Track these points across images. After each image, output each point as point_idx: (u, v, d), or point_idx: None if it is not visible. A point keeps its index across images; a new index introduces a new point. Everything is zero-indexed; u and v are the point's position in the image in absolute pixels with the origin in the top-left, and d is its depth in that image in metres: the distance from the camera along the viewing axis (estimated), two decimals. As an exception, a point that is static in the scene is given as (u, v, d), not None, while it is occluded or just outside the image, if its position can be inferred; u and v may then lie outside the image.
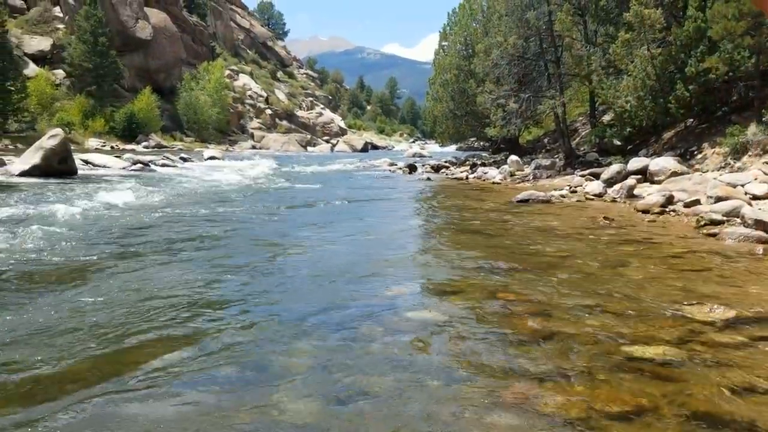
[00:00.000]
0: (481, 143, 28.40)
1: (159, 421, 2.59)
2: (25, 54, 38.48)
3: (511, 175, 16.52)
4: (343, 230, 7.79)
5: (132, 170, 18.14)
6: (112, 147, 34.09)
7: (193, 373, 3.10)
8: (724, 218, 7.74)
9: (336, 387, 3.01)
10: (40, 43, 40.44)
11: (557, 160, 17.29)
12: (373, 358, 3.38)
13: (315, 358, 3.36)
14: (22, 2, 41.79)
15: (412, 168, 21.74)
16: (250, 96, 61.93)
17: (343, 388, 3.00)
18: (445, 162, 23.72)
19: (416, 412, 2.76)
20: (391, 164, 24.57)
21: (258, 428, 2.58)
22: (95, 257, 5.51)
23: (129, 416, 2.63)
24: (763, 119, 10.79)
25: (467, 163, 22.91)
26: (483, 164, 21.14)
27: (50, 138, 14.59)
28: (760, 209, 7.53)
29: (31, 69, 37.34)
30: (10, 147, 26.49)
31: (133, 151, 30.44)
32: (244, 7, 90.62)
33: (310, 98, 78.86)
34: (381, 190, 14.33)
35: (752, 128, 10.78)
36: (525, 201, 10.94)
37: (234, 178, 16.96)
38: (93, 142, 34.39)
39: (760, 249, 6.09)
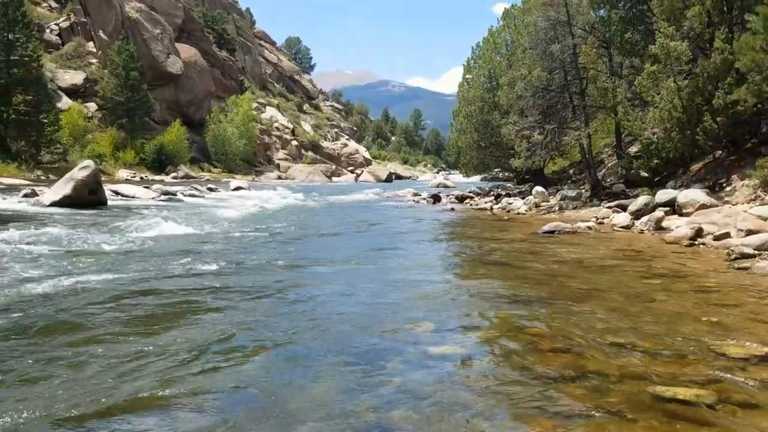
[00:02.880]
0: (506, 174, 28.35)
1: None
2: (59, 88, 39.75)
3: (537, 206, 16.40)
4: (365, 261, 7.78)
5: (160, 200, 18.47)
6: (141, 178, 34.81)
7: (218, 400, 3.10)
8: (756, 252, 7.56)
9: (357, 421, 2.98)
10: (74, 77, 41.76)
11: (583, 191, 17.15)
12: (395, 392, 3.33)
13: (336, 391, 3.33)
14: (57, 38, 43.32)
15: (436, 198, 21.74)
16: (276, 128, 62.97)
17: (365, 422, 2.96)
18: (470, 192, 23.68)
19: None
20: (415, 194, 24.61)
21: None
22: (110, 290, 5.59)
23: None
24: (795, 151, 10.59)
25: (491, 193, 22.84)
26: (508, 195, 21.05)
27: (81, 169, 14.96)
28: (793, 243, 7.33)
29: (65, 102, 38.52)
30: (42, 178, 27.22)
31: (162, 181, 31.02)
32: (272, 42, 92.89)
33: (336, 129, 79.91)
34: (404, 221, 14.33)
35: (783, 160, 10.58)
36: (551, 232, 10.83)
37: (258, 208, 17.14)
38: (123, 173, 35.20)
39: (794, 284, 5.91)
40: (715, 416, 3.03)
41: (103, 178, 17.47)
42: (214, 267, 6.87)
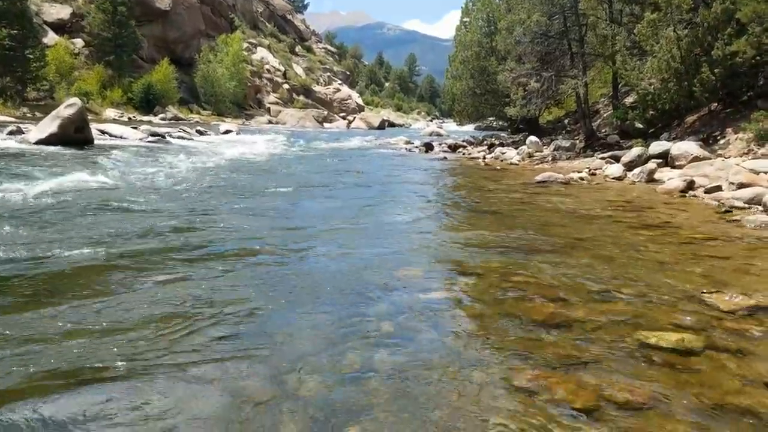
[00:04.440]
0: (500, 123, 28.10)
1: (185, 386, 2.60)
2: (45, 22, 38.49)
3: (530, 156, 16.31)
4: (355, 210, 7.74)
5: (148, 142, 18.19)
6: (129, 118, 34.16)
7: (216, 347, 3.09)
8: (746, 205, 7.58)
9: (345, 364, 2.99)
10: (60, 12, 40.41)
11: (577, 141, 17.04)
12: (383, 336, 3.34)
13: (325, 337, 3.33)
14: (43, -30, 41.66)
15: (428, 147, 21.56)
16: (267, 70, 61.69)
17: (353, 365, 2.97)
18: (463, 141, 23.49)
19: (425, 391, 2.72)
20: (408, 142, 24.38)
21: (272, 400, 2.57)
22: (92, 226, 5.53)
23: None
24: (791, 105, 10.49)
25: (485, 143, 22.67)
26: (501, 144, 20.91)
27: (67, 107, 14.63)
28: (784, 197, 7.34)
29: (51, 38, 37.37)
30: (28, 115, 26.67)
31: (150, 122, 30.50)
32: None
33: (328, 73, 78.42)
34: (396, 169, 14.23)
35: (779, 114, 10.49)
36: (543, 182, 10.80)
37: (249, 153, 16.94)
38: (110, 113, 34.50)
39: (783, 238, 5.94)
40: (699, 363, 3.06)
41: (89, 117, 17.11)
42: (202, 216, 6.81)
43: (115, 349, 2.99)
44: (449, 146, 21.85)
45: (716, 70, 12.14)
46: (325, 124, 55.08)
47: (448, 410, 2.57)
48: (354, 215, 7.13)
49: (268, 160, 15.17)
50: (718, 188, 8.70)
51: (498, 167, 14.94)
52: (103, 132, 18.42)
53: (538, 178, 11.08)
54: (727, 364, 3.06)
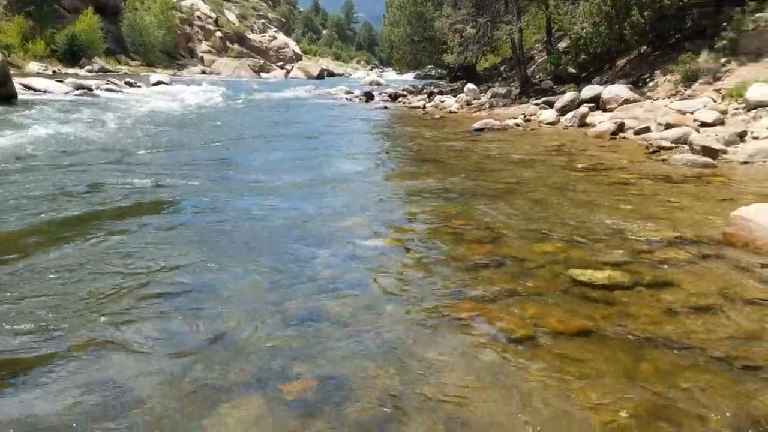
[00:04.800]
0: (439, 71, 28.01)
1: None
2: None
3: (468, 104, 16.42)
4: (295, 161, 7.67)
5: (75, 95, 17.26)
6: (54, 71, 32.10)
7: (155, 303, 3.06)
8: (673, 145, 7.93)
9: (291, 310, 3.03)
10: (-32, -43, 37.07)
11: (513, 88, 17.24)
12: (327, 283, 3.39)
13: (267, 284, 3.35)
14: None
15: (369, 96, 21.35)
16: (198, 17, 58.94)
17: (298, 311, 3.02)
18: (403, 90, 23.35)
19: (370, 332, 2.80)
20: (348, 92, 24.04)
21: (217, 353, 2.59)
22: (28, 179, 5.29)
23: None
24: (715, 47, 10.90)
25: (424, 91, 22.60)
26: (440, 93, 20.91)
27: (-14, 61, 13.66)
28: (707, 136, 7.72)
29: (-37, -14, 34.39)
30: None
31: (76, 75, 28.83)
32: None
33: (263, 20, 75.68)
34: (337, 119, 14.08)
35: (703, 56, 10.89)
36: (481, 130, 10.95)
37: (183, 105, 16.35)
38: (34, 66, 32.33)
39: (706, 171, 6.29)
40: (627, 296, 3.26)
41: (12, 72, 16.04)
42: (134, 172, 6.60)
43: (50, 313, 2.92)
44: (389, 95, 21.71)
45: (645, 13, 12.42)
46: (262, 74, 53.48)
47: (391, 348, 2.66)
48: (294, 167, 7.06)
49: (203, 112, 14.69)
50: (647, 129, 9.05)
51: (437, 116, 15.00)
52: (27, 87, 17.31)
53: (476, 125, 11.21)
54: (651, 296, 3.27)
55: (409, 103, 19.51)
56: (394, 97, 21.33)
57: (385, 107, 17.99)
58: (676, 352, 2.65)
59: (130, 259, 3.62)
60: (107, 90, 19.92)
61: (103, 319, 2.86)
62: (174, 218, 4.57)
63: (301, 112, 16.03)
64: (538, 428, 2.11)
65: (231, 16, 67.00)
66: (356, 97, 21.98)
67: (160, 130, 10.28)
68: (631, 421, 2.10)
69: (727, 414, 2.19)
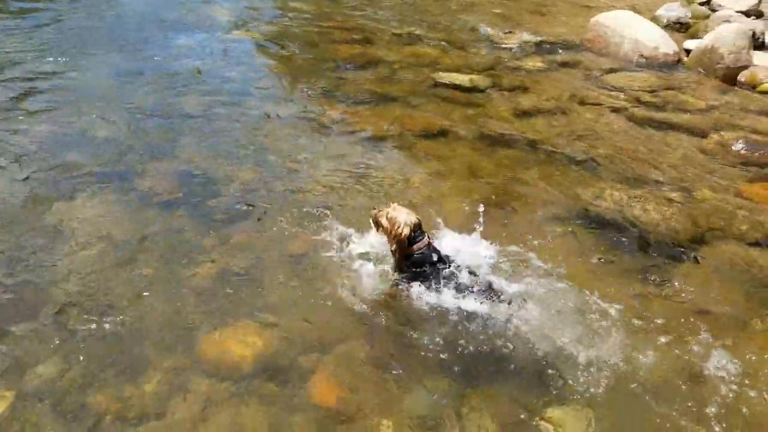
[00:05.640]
0: None
1: None
2: None
3: None
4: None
5: None
6: None
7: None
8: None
9: (148, 104, 2.92)
10: None
11: None
12: (188, 77, 3.24)
13: (127, 78, 3.15)
14: None
15: None
16: None
17: (156, 106, 2.92)
18: None
19: (233, 128, 2.78)
20: None
21: (74, 141, 2.51)
22: None
23: None
24: None
25: None
26: None
27: None
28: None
29: None
30: None
31: None
32: None
33: None
34: None
35: None
36: None
37: None
38: None
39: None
40: (485, 99, 3.40)
41: None
42: None
43: None
44: None
45: None
46: None
47: (257, 147, 2.66)
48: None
49: None
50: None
51: None
52: None
53: None
54: (507, 98, 3.42)
55: None
56: None
57: None
58: (520, 148, 2.88)
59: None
60: None
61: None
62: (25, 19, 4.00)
63: None
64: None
65: None
66: None
67: None
68: (475, 207, 2.32)
69: (556, 198, 2.48)
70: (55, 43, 3.50)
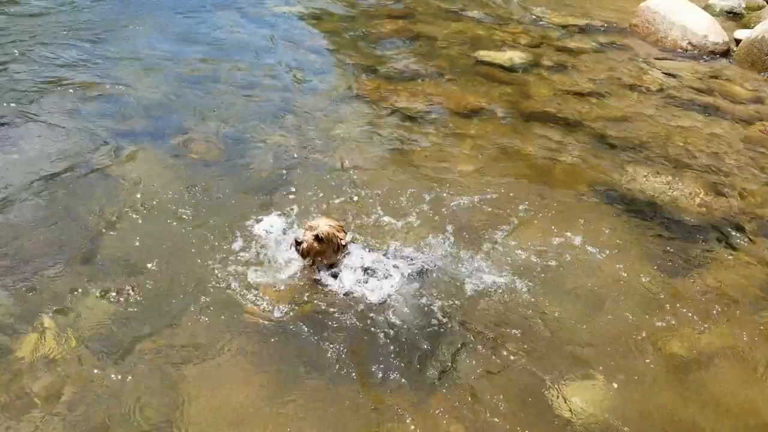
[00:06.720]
0: None
1: None
2: None
3: None
4: None
5: None
6: None
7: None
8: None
9: (193, 64, 3.03)
10: None
11: None
12: (232, 45, 3.33)
13: (178, 47, 3.24)
14: None
15: None
16: None
17: (198, 69, 3.01)
18: None
19: (273, 97, 2.84)
20: None
21: (113, 107, 2.60)
22: None
23: None
24: None
25: None
26: None
27: None
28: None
29: None
30: None
31: None
32: None
33: None
34: None
35: None
36: None
37: None
38: None
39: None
40: (525, 78, 3.38)
41: None
42: None
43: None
44: None
45: None
46: None
47: (297, 115, 2.73)
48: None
49: None
50: None
51: None
52: None
53: None
54: (547, 78, 3.40)
55: None
56: None
57: None
58: (556, 128, 2.87)
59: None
60: None
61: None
62: None
63: None
64: (420, 189, 2.28)
65: None
66: None
67: None
68: (505, 188, 2.33)
69: (594, 179, 2.48)
70: (111, 15, 3.60)
